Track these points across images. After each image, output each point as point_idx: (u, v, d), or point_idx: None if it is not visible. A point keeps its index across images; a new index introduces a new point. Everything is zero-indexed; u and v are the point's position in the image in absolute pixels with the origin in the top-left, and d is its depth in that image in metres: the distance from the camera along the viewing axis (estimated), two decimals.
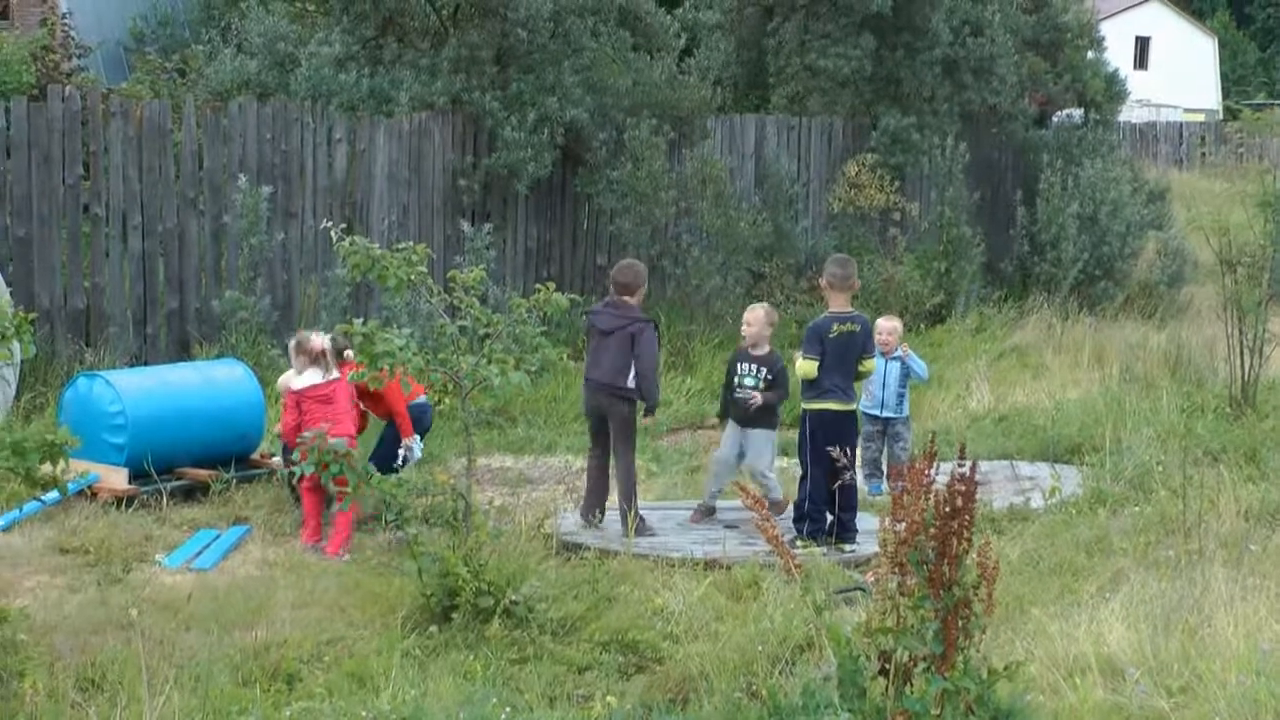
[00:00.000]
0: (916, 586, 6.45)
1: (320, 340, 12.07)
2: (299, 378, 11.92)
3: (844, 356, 11.80)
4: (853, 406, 11.99)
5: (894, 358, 13.42)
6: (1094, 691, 7.64)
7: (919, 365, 13.85)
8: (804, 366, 11.73)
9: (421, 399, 12.13)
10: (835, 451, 10.05)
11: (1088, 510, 12.20)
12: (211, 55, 24.66)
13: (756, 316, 12.42)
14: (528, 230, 19.49)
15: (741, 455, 12.35)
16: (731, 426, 12.40)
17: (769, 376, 12.20)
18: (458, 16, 18.71)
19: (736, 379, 12.29)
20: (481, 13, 18.45)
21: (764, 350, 12.34)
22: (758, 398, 12.09)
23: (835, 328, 11.79)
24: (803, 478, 11.79)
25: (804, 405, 11.86)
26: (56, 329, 15.06)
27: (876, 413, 13.39)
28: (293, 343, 12.12)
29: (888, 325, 13.60)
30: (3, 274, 14.24)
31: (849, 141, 23.12)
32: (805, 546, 11.00)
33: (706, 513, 12.23)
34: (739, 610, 9.43)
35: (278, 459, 12.67)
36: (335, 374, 11.86)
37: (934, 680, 6.42)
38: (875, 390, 13.31)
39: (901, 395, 13.48)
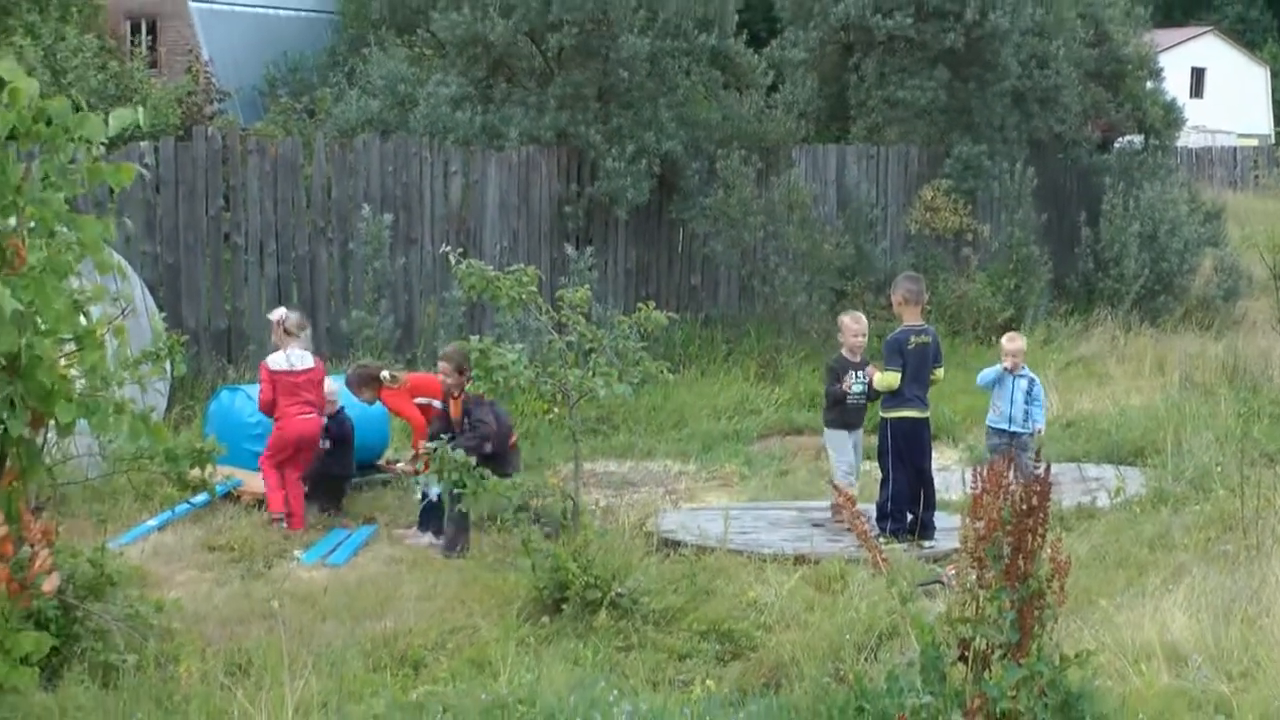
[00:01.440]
0: (994, 579, 6.41)
1: (293, 316, 12.26)
2: (300, 357, 11.98)
3: (920, 367, 11.76)
4: (928, 414, 11.93)
5: (1020, 375, 12.66)
6: (1159, 677, 7.56)
7: (1040, 398, 12.99)
8: (888, 378, 11.66)
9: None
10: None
11: (1151, 509, 12.08)
12: (338, 97, 24.92)
13: (864, 326, 12.36)
14: (627, 253, 19.51)
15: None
16: (848, 435, 12.22)
17: (868, 381, 12.09)
18: (562, 58, 18.77)
19: (849, 386, 12.07)
20: (585, 54, 18.50)
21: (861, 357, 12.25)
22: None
23: (913, 340, 11.73)
24: (884, 480, 11.71)
25: (883, 414, 11.78)
26: (202, 347, 15.22)
27: (1005, 426, 12.85)
28: (292, 321, 12.18)
29: (1013, 346, 12.82)
30: (154, 297, 14.41)
31: (924, 168, 23.00)
32: (888, 543, 10.96)
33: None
34: (827, 601, 9.39)
35: (401, 464, 12.74)
36: (310, 359, 12.02)
37: (1010, 666, 6.38)
38: (1004, 406, 12.68)
39: (1027, 411, 12.68)
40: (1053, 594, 6.43)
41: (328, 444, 12.18)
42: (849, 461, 12.15)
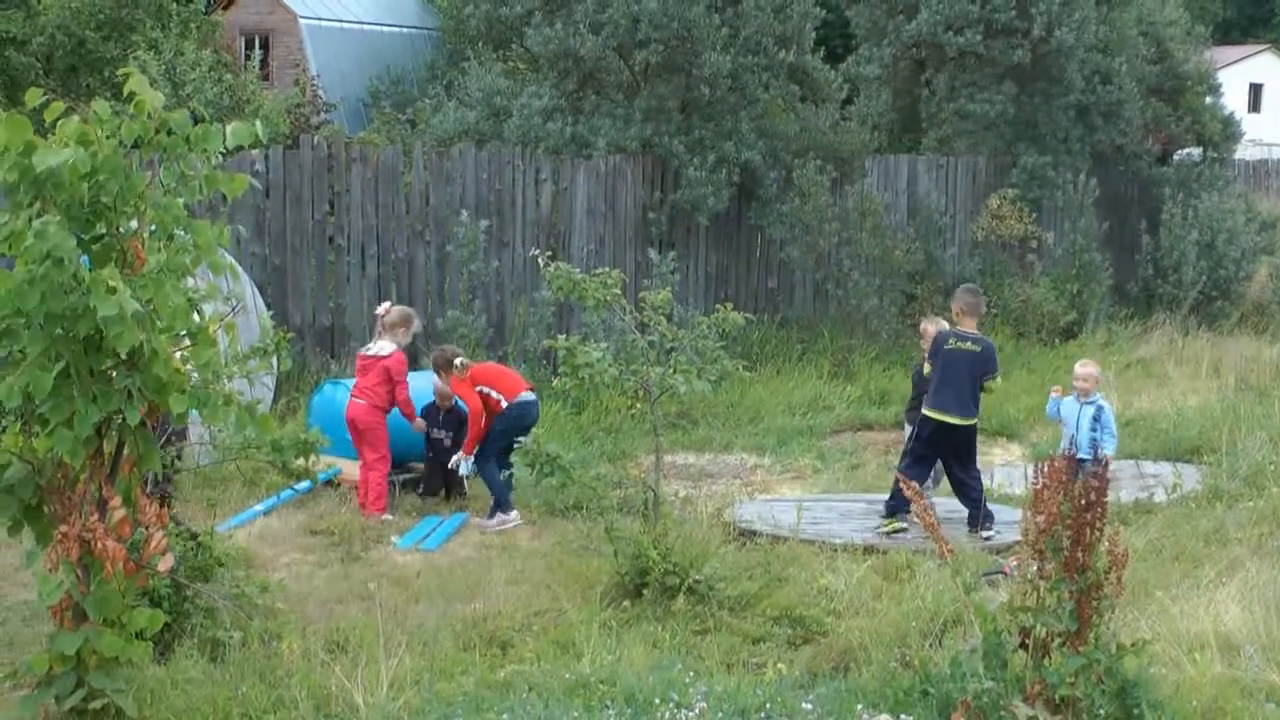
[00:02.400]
0: (1054, 571, 6.37)
1: (392, 312, 12.33)
2: (380, 347, 12.13)
3: (956, 371, 11.48)
4: (956, 420, 11.48)
5: (1089, 402, 11.99)
6: (1212, 666, 7.47)
7: (1110, 425, 12.15)
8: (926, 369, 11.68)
9: (522, 397, 11.98)
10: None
11: (1206, 504, 11.94)
12: (437, 108, 25.02)
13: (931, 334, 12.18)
14: (708, 257, 19.49)
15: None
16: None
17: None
18: (648, 72, 18.78)
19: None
20: (669, 70, 18.50)
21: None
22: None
23: (952, 342, 11.55)
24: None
25: (925, 410, 11.63)
26: (307, 343, 15.34)
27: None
28: (392, 317, 12.32)
29: (1083, 372, 12.18)
30: (262, 296, 14.53)
31: (991, 178, 22.84)
32: (890, 524, 11.18)
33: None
34: (894, 590, 9.34)
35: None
36: (386, 350, 12.04)
37: (1069, 654, 6.33)
38: (1070, 432, 12.03)
39: (1094, 438, 11.93)
40: (1110, 585, 6.37)
41: (447, 437, 12.34)
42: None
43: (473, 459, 11.87)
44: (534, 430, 11.64)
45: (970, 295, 11.93)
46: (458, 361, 11.99)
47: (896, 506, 11.35)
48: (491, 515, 11.63)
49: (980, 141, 22.61)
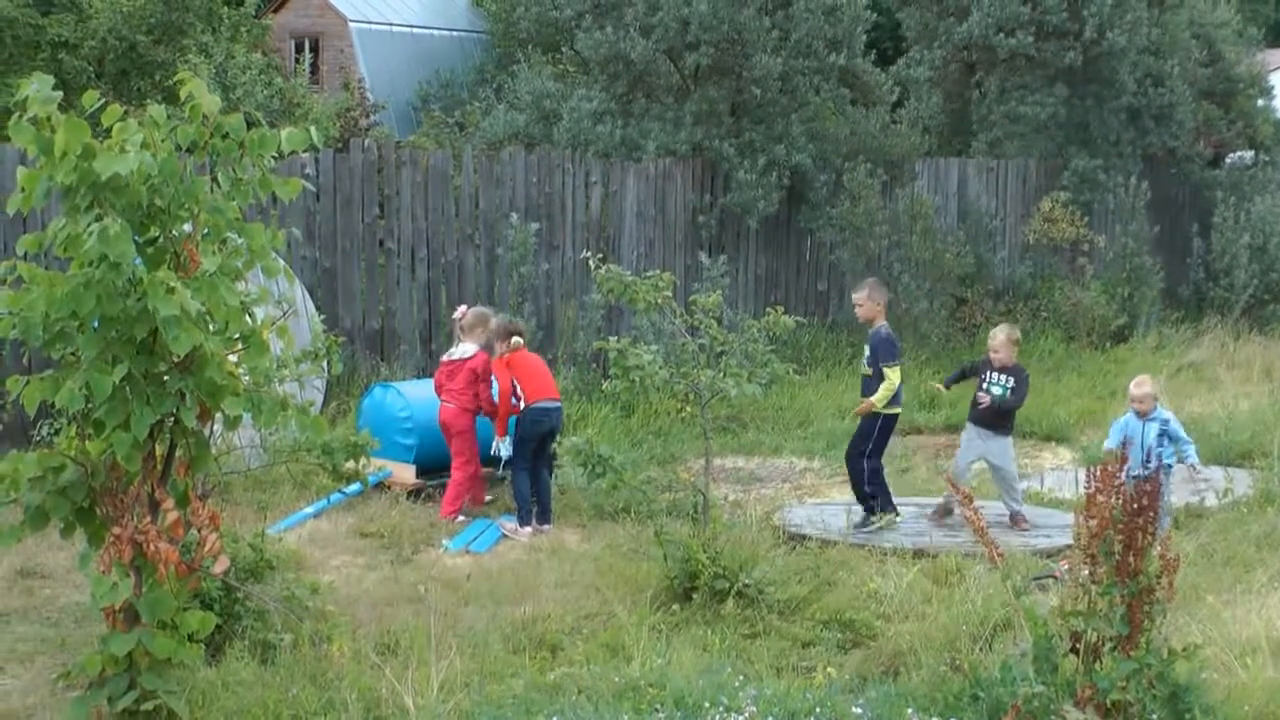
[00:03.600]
0: (1105, 575, 6.35)
1: (468, 315, 12.45)
2: (462, 350, 12.30)
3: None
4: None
5: (1151, 419, 11.37)
6: (1264, 671, 7.43)
7: (1180, 435, 11.53)
8: (896, 375, 11.47)
9: (540, 403, 11.82)
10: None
11: (1258, 509, 11.87)
12: (486, 111, 25.12)
13: (1000, 341, 11.99)
14: (757, 260, 19.48)
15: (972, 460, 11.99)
16: (972, 431, 11.96)
17: (1013, 384, 11.83)
18: (698, 75, 18.78)
19: (984, 387, 11.89)
20: (720, 72, 18.50)
21: (1011, 363, 11.94)
22: (986, 398, 11.73)
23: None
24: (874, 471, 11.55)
25: (884, 410, 11.50)
26: (357, 346, 15.41)
27: (1135, 472, 12.15)
28: (467, 320, 12.45)
29: (1138, 392, 11.39)
30: (313, 299, 14.60)
31: (1042, 181, 22.75)
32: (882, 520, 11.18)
33: (945, 512, 11.79)
34: (944, 594, 9.31)
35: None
36: (469, 352, 12.14)
37: (1120, 659, 6.31)
38: (1134, 453, 11.15)
39: (1161, 454, 11.27)
40: (1162, 589, 6.35)
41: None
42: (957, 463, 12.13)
43: (509, 441, 11.92)
44: (587, 432, 11.64)
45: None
46: (513, 340, 11.99)
47: (874, 501, 11.37)
48: (518, 518, 11.72)
49: (1031, 144, 22.53)
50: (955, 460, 12.22)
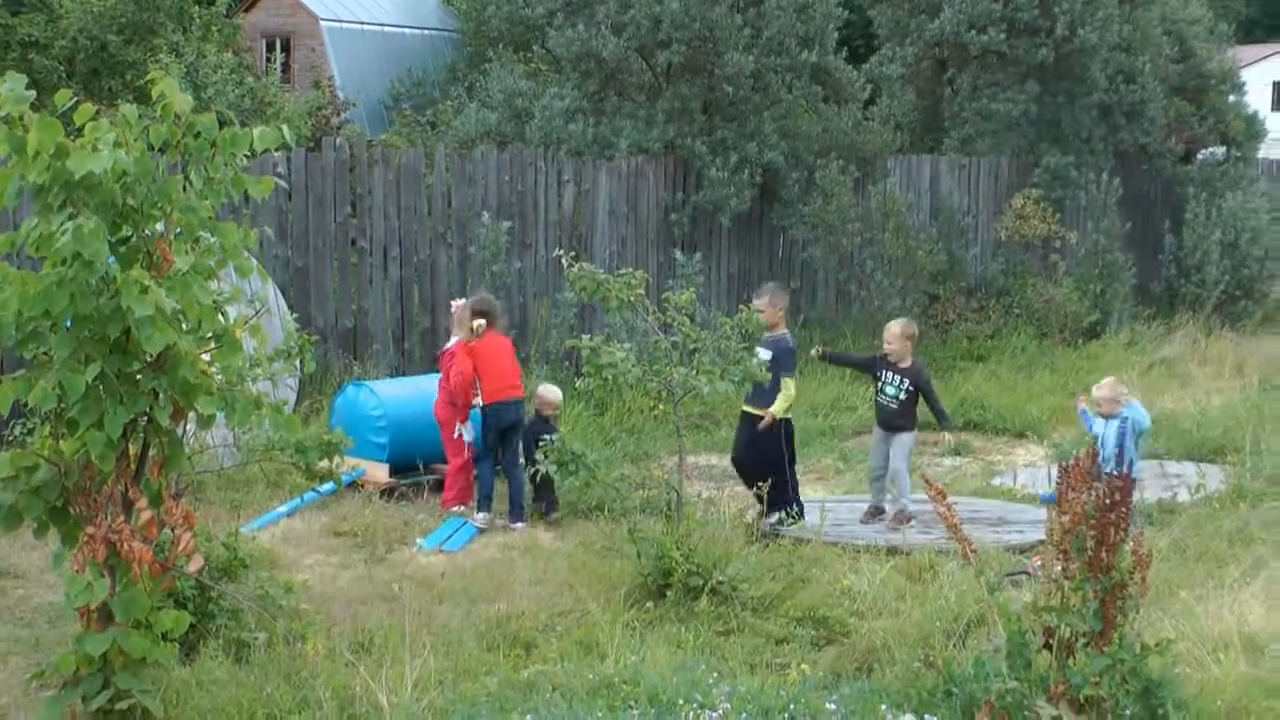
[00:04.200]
0: (1078, 571, 6.38)
1: (456, 308, 12.47)
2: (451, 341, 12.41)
3: None
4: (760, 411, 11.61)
5: (1115, 417, 11.43)
6: (1236, 665, 7.48)
7: (1139, 415, 11.56)
8: (793, 386, 11.62)
9: (498, 402, 11.87)
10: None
11: (1230, 504, 11.93)
12: (458, 109, 25.11)
13: (893, 333, 11.94)
14: (730, 258, 19.51)
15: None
16: (877, 433, 12.03)
17: (910, 387, 11.78)
18: (670, 73, 18.80)
19: (879, 386, 11.93)
20: (692, 70, 18.52)
21: (907, 363, 11.88)
22: (898, 398, 11.71)
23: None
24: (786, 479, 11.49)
25: (787, 416, 11.62)
26: (329, 345, 15.38)
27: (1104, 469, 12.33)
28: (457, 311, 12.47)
29: (1100, 394, 11.54)
30: (285, 298, 14.58)
31: (1014, 178, 22.83)
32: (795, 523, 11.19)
33: (874, 513, 11.86)
34: (917, 590, 9.34)
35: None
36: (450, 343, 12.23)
37: (1093, 654, 6.35)
38: (1100, 448, 11.43)
39: (1119, 451, 11.36)
40: (1134, 585, 6.39)
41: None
42: (872, 464, 12.18)
43: (471, 427, 11.97)
44: (560, 430, 11.64)
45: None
46: (476, 324, 11.95)
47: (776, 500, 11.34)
48: (476, 504, 11.87)
49: (1003, 141, 22.62)
50: (870, 464, 12.19)
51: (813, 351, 12.75)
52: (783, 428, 11.54)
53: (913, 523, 11.47)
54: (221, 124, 6.73)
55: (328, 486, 11.36)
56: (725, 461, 14.20)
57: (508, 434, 11.90)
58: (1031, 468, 14.32)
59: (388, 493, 12.27)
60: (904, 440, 11.83)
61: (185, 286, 6.41)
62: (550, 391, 12.58)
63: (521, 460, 11.81)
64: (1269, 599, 8.57)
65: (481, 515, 11.70)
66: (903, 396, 11.75)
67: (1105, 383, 11.64)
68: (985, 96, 22.38)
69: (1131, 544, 6.40)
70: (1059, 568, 6.47)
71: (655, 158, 18.51)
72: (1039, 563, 7.17)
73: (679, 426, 10.69)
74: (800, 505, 11.52)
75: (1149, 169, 24.60)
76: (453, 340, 12.37)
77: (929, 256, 20.03)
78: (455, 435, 12.01)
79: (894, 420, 11.78)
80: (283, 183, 13.12)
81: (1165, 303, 23.31)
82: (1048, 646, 6.54)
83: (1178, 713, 6.49)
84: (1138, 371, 17.94)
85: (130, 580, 6.71)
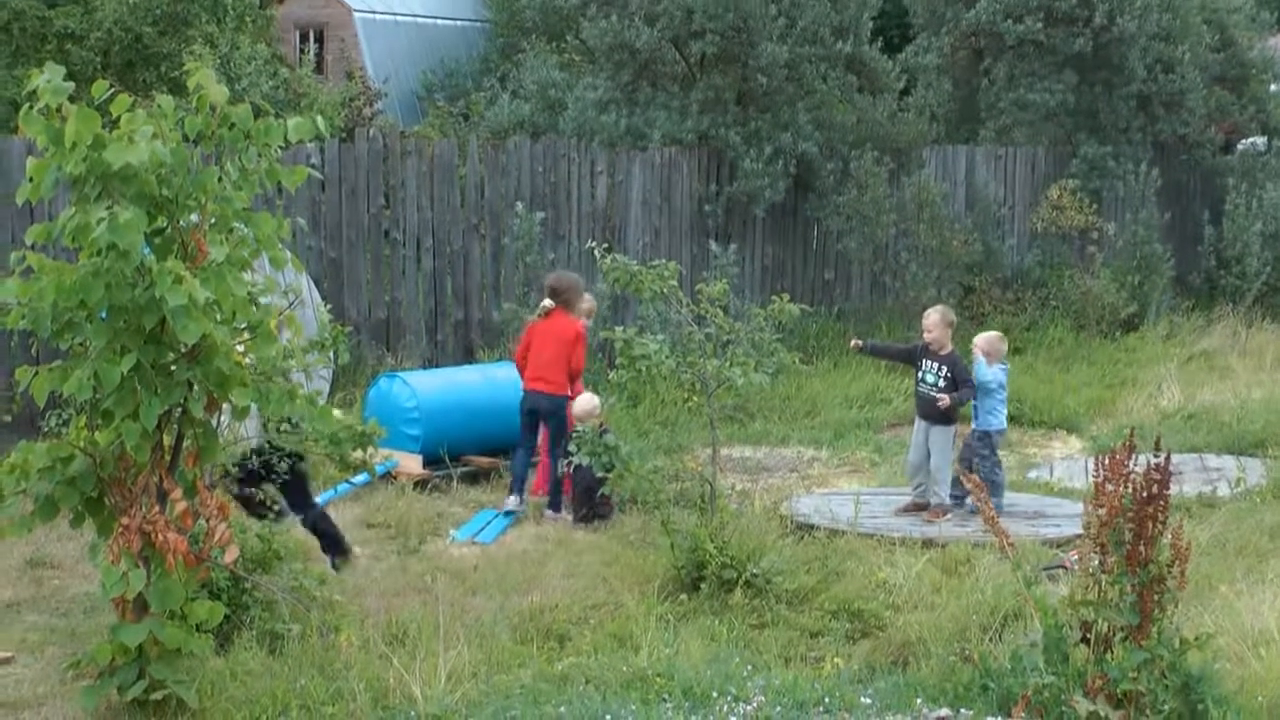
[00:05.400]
0: (1116, 564, 6.37)
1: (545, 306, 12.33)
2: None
3: None
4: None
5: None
6: (1278, 661, 7.43)
7: (982, 372, 11.80)
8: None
9: (529, 389, 11.94)
10: None
11: (1271, 498, 11.87)
12: (491, 100, 25.13)
13: (933, 321, 11.90)
14: (764, 249, 19.48)
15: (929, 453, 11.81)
16: (917, 424, 11.95)
17: (948, 374, 11.69)
18: (704, 64, 18.78)
19: (919, 375, 11.86)
20: (726, 60, 18.50)
21: (947, 350, 11.82)
22: (945, 399, 11.52)
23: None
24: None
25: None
26: (363, 337, 15.43)
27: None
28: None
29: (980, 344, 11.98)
30: (318, 289, 14.63)
31: (1050, 168, 22.73)
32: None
33: (915, 508, 11.78)
34: (953, 584, 9.33)
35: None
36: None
37: (1131, 649, 6.33)
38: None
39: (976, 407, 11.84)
40: (1173, 579, 6.37)
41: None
42: (911, 459, 12.09)
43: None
44: (593, 422, 11.62)
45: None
46: (544, 304, 11.96)
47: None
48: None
49: (1039, 132, 22.51)
50: (908, 459, 12.15)
51: (851, 344, 12.66)
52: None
53: (949, 516, 11.45)
54: (256, 115, 6.76)
55: (361, 478, 11.40)
56: (759, 454, 14.23)
57: (533, 422, 11.91)
58: (1069, 461, 14.27)
59: (420, 485, 12.30)
60: (944, 432, 11.76)
61: (220, 277, 6.45)
62: (579, 405, 11.85)
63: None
64: None
65: (512, 499, 11.72)
66: (941, 384, 11.66)
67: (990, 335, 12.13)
68: (1022, 86, 22.26)
69: (1170, 537, 6.38)
70: (1096, 561, 6.45)
71: (689, 148, 18.49)
72: (1076, 556, 7.15)
73: (712, 419, 10.69)
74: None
75: (1188, 159, 24.44)
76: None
77: (964, 248, 19.96)
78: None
79: (933, 410, 11.73)
80: (316, 173, 13.17)
81: (1205, 294, 23.15)
82: (1085, 641, 6.52)
83: (1217, 708, 6.47)
84: (1177, 364, 17.86)
85: (165, 571, 6.75)
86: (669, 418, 14.94)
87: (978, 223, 21.03)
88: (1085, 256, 21.66)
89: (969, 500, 11.59)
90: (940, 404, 11.53)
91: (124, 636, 6.76)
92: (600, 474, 10.16)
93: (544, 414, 11.95)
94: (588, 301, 12.69)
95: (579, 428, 10.47)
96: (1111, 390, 17.14)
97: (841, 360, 18.05)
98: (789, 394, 16.27)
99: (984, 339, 12.14)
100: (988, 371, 11.78)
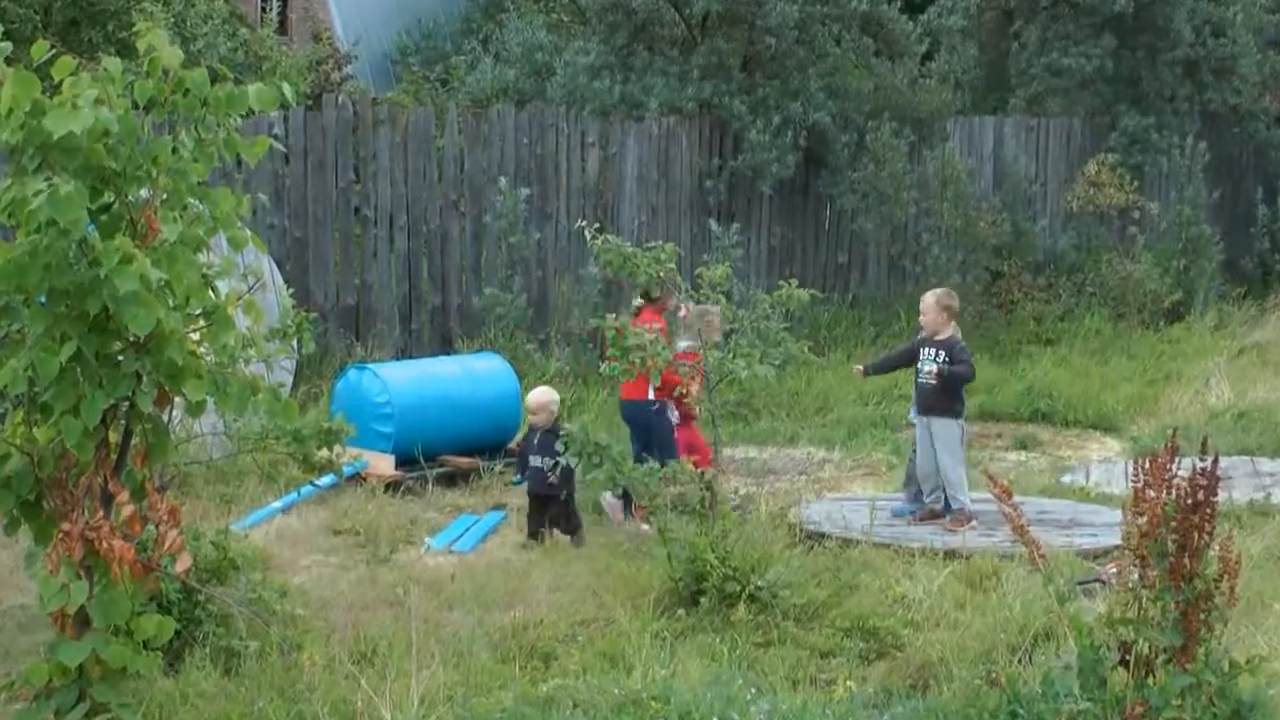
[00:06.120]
0: (1158, 579, 6.35)
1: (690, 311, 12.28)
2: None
3: None
4: None
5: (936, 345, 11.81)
6: None
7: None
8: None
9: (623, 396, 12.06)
10: None
11: None
12: (472, 65, 25.10)
13: (927, 304, 11.89)
14: (771, 229, 19.49)
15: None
16: (918, 425, 11.95)
17: (945, 359, 11.58)
18: (706, 25, 18.78)
19: (918, 366, 11.82)
20: (730, 21, 18.51)
21: (945, 335, 11.75)
22: (934, 370, 11.49)
23: None
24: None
25: None
26: (329, 324, 15.42)
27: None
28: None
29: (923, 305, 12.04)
30: (281, 272, 14.61)
31: (1087, 142, 22.74)
32: None
33: (930, 516, 11.72)
34: (979, 599, 9.32)
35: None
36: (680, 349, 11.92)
37: (1175, 672, 6.32)
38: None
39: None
40: (1222, 595, 6.35)
41: (546, 463, 10.97)
42: (919, 463, 12.03)
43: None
44: (583, 418, 11.62)
45: None
46: (635, 302, 11.94)
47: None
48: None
49: (1075, 101, 22.53)
50: (913, 465, 12.13)
51: (855, 370, 12.70)
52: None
53: (974, 523, 11.45)
54: (214, 80, 6.73)
55: (327, 480, 11.38)
56: (765, 455, 14.23)
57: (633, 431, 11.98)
58: (1107, 464, 14.27)
59: (393, 487, 12.28)
60: (947, 426, 11.69)
61: (172, 258, 6.42)
62: (531, 396, 11.67)
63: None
64: None
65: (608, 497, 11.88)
66: (936, 368, 11.61)
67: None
68: (1056, 51, 22.27)
69: (1219, 549, 6.37)
70: (1136, 575, 6.44)
71: (689, 119, 18.49)
72: (1114, 569, 7.14)
73: (714, 416, 10.69)
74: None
75: (1240, 131, 24.46)
76: (680, 346, 12.16)
77: (992, 229, 19.98)
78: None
79: (931, 401, 11.69)
80: (279, 145, 13.14)
81: (1258, 281, 23.19)
82: (1124, 663, 6.51)
83: None
84: (1227, 357, 17.87)
85: (110, 582, 6.72)
86: None
87: (1006, 201, 21.04)
88: (1125, 239, 21.68)
89: (927, 498, 11.78)
90: (929, 378, 11.53)
91: (63, 655, 6.73)
92: (552, 481, 10.39)
93: (627, 422, 12.06)
94: (710, 315, 12.35)
95: (532, 419, 10.57)
96: (1154, 386, 17.15)
97: (855, 352, 18.07)
98: (798, 389, 16.29)
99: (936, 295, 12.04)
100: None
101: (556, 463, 10.17)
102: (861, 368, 12.62)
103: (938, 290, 12.34)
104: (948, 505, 11.62)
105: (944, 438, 11.64)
